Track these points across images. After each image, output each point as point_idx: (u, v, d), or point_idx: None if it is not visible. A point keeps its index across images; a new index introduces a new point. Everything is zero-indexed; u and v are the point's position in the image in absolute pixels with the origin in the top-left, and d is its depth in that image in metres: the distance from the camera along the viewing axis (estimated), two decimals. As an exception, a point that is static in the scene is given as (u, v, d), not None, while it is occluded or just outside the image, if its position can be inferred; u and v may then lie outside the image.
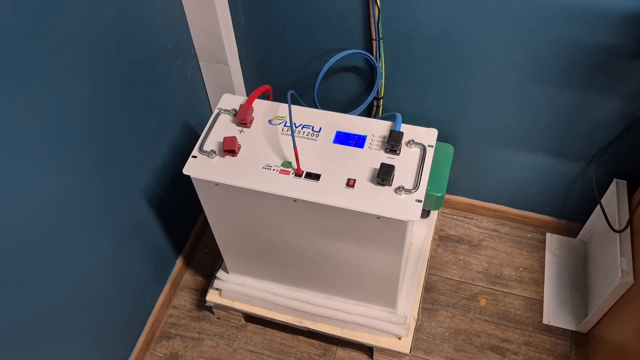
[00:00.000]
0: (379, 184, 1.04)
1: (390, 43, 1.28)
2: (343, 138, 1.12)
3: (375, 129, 1.13)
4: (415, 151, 1.09)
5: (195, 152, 1.11)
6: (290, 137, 1.12)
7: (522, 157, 1.45)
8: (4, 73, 0.84)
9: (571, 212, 1.57)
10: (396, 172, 1.05)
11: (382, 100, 1.41)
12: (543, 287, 1.54)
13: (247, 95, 1.55)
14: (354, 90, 1.44)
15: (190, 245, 1.61)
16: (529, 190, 1.55)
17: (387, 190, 1.04)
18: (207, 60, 1.43)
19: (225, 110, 1.17)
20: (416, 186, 1.03)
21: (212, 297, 1.43)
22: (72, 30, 0.97)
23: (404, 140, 1.10)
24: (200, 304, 1.54)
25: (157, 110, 1.30)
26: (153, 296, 1.47)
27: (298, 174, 1.07)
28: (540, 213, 1.61)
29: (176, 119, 1.40)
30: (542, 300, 1.51)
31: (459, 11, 1.17)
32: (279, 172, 1.07)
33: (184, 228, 1.59)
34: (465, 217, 1.68)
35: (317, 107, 1.32)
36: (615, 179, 1.39)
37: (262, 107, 1.18)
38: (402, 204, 1.02)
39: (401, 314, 1.32)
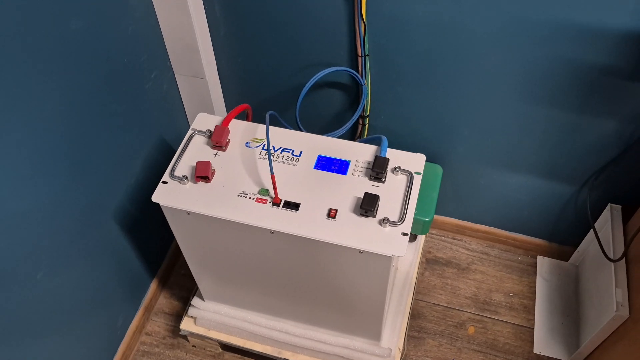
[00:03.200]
0: (362, 215, 0.97)
1: (376, 59, 1.21)
2: (325, 163, 1.05)
3: (359, 153, 1.06)
4: (402, 179, 1.02)
5: (165, 177, 1.03)
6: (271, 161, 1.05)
7: (514, 177, 1.38)
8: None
9: (563, 235, 1.51)
10: (381, 202, 0.98)
11: (367, 118, 1.34)
12: (534, 314, 1.47)
13: (228, 111, 1.48)
14: (338, 107, 1.37)
15: (166, 267, 1.53)
16: (519, 212, 1.48)
17: (370, 222, 0.96)
18: (183, 74, 1.35)
19: (199, 131, 1.10)
20: (402, 218, 0.96)
21: (186, 325, 1.35)
22: (39, 41, 0.89)
23: (390, 166, 1.02)
24: (176, 330, 1.46)
25: (131, 126, 1.22)
26: (125, 321, 1.38)
27: (276, 203, 0.99)
28: (531, 235, 1.55)
29: (152, 135, 1.32)
30: (533, 328, 1.45)
31: (449, 27, 1.10)
32: (256, 201, 1.00)
33: (160, 248, 1.50)
34: (454, 239, 1.62)
35: (298, 126, 1.25)
36: (609, 204, 1.33)
37: (239, 128, 1.11)
38: (386, 238, 0.94)
39: (385, 347, 1.25)
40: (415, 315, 1.47)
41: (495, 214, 1.52)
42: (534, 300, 1.50)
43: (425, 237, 1.60)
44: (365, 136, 1.39)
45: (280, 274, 1.10)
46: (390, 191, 1.00)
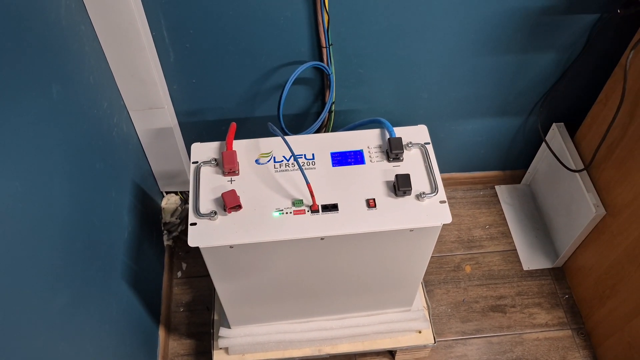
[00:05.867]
0: (399, 196, 1.01)
1: (338, 47, 1.24)
2: (341, 158, 1.07)
3: (366, 140, 1.09)
4: (416, 153, 1.08)
5: (192, 218, 0.99)
6: (287, 172, 1.04)
7: (470, 124, 1.50)
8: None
9: (514, 162, 1.68)
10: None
11: (333, 104, 1.37)
12: (511, 237, 1.64)
13: (185, 137, 1.42)
14: (303, 101, 1.37)
15: (165, 309, 1.45)
16: (476, 152, 1.62)
17: (409, 200, 1.01)
18: (138, 109, 1.27)
19: (204, 162, 1.05)
20: (435, 188, 1.02)
21: (219, 358, 1.31)
22: (25, 110, 0.79)
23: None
24: (199, 367, 1.41)
25: (113, 179, 1.13)
26: (151, 380, 1.31)
27: (314, 210, 1.00)
28: (486, 170, 1.70)
29: (127, 182, 1.23)
30: (516, 250, 1.61)
31: (408, 4, 1.16)
32: (294, 214, 0.99)
33: (155, 291, 1.42)
34: (421, 193, 1.72)
35: (284, 131, 1.25)
36: (553, 123, 1.50)
37: (240, 149, 1.08)
38: (429, 210, 1.00)
39: (416, 309, 1.33)
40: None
41: (455, 160, 1.65)
42: (507, 225, 1.66)
43: (397, 199, 1.68)
44: (332, 123, 1.41)
45: (323, 276, 1.12)
46: (412, 167, 1.05)
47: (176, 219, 1.56)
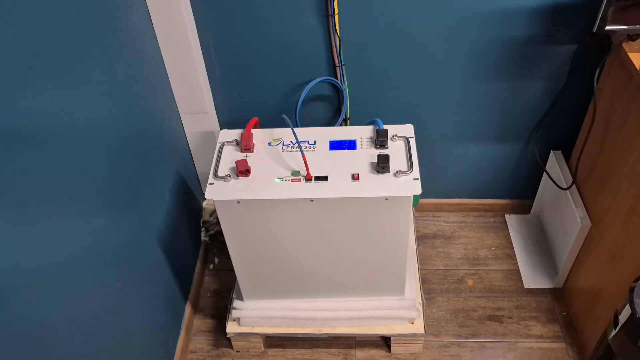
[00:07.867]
0: (379, 172, 1.21)
1: (351, 68, 1.50)
2: (337, 145, 1.30)
3: (360, 133, 1.32)
4: (400, 143, 1.29)
5: (211, 179, 1.24)
6: (292, 152, 1.28)
7: (474, 148, 1.69)
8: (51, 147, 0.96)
9: (521, 191, 1.82)
10: (390, 161, 1.23)
11: (349, 120, 1.61)
12: (516, 259, 1.75)
13: (226, 140, 1.70)
14: (322, 117, 1.63)
15: (195, 291, 1.68)
16: (483, 178, 1.78)
17: (387, 177, 1.21)
18: (187, 112, 1.57)
19: (228, 142, 1.32)
20: (410, 167, 1.22)
21: (231, 328, 1.50)
22: (95, 85, 1.09)
23: (389, 136, 1.29)
24: (217, 343, 1.60)
25: (159, 161, 1.42)
26: (174, 342, 1.51)
27: (308, 179, 1.22)
28: (496, 198, 1.85)
29: (170, 168, 1.51)
30: (518, 270, 1.72)
31: (408, 32, 1.41)
32: (291, 181, 1.22)
33: (188, 273, 1.66)
34: (435, 216, 1.89)
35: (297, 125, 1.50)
36: (551, 151, 1.66)
37: (258, 135, 1.34)
38: (403, 184, 1.19)
39: (409, 298, 1.47)
40: (422, 281, 1.70)
41: (465, 185, 1.81)
42: (512, 249, 1.78)
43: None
44: (348, 137, 1.65)
45: (316, 245, 1.31)
46: (395, 152, 1.26)
47: (214, 219, 1.82)
